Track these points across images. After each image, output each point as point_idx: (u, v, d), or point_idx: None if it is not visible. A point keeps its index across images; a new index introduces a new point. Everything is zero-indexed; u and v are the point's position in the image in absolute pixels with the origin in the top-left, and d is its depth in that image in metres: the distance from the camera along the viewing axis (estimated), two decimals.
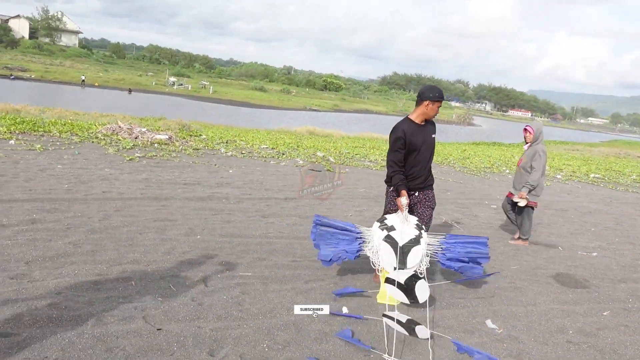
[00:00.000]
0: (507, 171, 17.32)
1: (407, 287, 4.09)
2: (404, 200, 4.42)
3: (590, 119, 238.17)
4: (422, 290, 4.06)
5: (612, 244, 7.57)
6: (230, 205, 7.38)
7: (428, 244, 4.43)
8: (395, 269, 4.21)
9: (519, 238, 6.91)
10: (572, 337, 4.08)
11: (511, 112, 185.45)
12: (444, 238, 4.59)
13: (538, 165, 6.45)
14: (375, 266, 4.45)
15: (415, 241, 4.29)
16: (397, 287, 4.10)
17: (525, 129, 6.77)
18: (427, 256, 4.36)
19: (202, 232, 5.85)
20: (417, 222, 4.50)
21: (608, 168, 23.18)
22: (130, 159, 10.04)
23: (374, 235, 4.48)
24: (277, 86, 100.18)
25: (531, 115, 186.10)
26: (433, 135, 4.72)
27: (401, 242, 4.28)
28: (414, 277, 4.13)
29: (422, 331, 3.70)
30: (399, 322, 3.72)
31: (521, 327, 4.16)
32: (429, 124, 4.72)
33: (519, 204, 6.42)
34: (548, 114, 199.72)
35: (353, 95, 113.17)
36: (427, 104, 4.56)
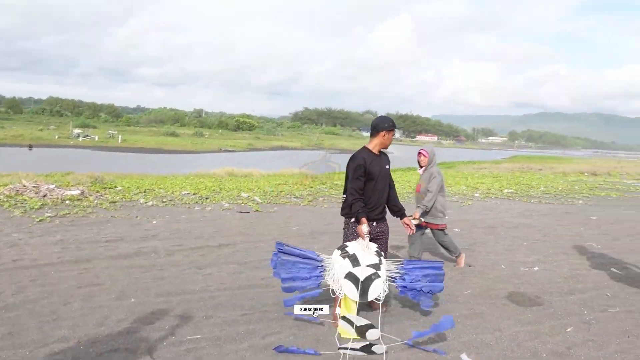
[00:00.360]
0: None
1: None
2: (365, 227, 4.49)
3: (490, 138, 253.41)
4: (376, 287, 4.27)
5: (548, 256, 7.73)
6: (160, 260, 6.84)
7: (387, 270, 4.52)
8: (357, 302, 4.29)
9: (457, 258, 6.91)
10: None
11: (419, 137, 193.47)
12: (402, 264, 4.68)
13: (433, 187, 6.42)
14: (334, 294, 4.43)
15: (376, 268, 4.38)
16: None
17: (420, 153, 6.69)
18: (385, 282, 4.43)
19: (136, 294, 5.31)
20: (377, 249, 4.55)
21: (517, 182, 24.37)
22: (40, 220, 9.18)
23: (335, 264, 4.48)
24: (188, 130, 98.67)
25: (437, 139, 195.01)
26: (387, 166, 4.88)
27: (362, 277, 4.33)
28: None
29: (379, 348, 3.92)
30: (353, 349, 3.88)
31: (497, 357, 4.00)
32: (383, 155, 4.90)
33: (413, 223, 5.47)
34: (452, 137, 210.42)
35: (267, 133, 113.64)
36: (384, 134, 4.75)
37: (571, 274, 6.63)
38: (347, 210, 4.73)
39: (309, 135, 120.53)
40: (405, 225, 5.09)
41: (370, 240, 4.64)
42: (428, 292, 4.53)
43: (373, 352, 3.90)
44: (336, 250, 4.61)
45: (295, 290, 4.54)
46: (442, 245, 6.84)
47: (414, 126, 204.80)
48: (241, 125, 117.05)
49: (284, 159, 59.26)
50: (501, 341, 4.30)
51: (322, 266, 4.57)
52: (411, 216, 5.81)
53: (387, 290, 4.39)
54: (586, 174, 36.58)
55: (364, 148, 4.83)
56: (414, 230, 5.26)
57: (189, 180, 20.65)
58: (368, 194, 4.71)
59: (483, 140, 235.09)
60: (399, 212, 5.10)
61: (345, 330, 4.20)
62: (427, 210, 6.44)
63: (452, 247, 6.79)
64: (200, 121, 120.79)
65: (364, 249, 4.47)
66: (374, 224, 4.76)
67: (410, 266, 4.67)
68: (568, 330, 4.58)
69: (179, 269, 6.43)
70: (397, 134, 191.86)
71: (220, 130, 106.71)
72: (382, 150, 4.89)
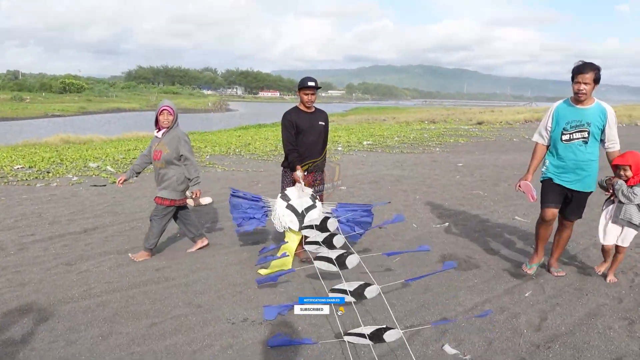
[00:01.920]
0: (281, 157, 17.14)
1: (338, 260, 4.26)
2: (299, 173, 5.01)
3: (329, 91, 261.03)
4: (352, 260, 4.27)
5: (448, 209, 7.55)
6: (12, 258, 5.36)
7: (323, 209, 5.12)
8: (299, 229, 4.92)
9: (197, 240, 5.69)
10: (533, 337, 3.53)
11: (261, 94, 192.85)
12: (335, 206, 5.30)
13: (188, 152, 5.28)
14: (280, 229, 5.11)
15: (312, 206, 5.04)
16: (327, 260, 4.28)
17: (163, 110, 5.28)
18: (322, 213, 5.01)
19: None
20: (312, 194, 5.11)
21: (372, 134, 24.91)
22: None
23: (277, 205, 5.07)
24: (5, 94, 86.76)
25: (280, 94, 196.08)
26: (320, 122, 5.29)
27: (300, 209, 5.01)
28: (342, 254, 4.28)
29: (393, 334, 3.39)
30: (362, 335, 3.45)
31: (479, 342, 3.47)
32: (318, 112, 5.37)
33: (190, 204, 4.85)
34: (294, 92, 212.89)
35: (99, 94, 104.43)
36: (298, 93, 5.25)
37: (483, 227, 6.46)
38: (285, 161, 5.30)
39: (146, 96, 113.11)
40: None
41: (307, 186, 5.14)
42: (356, 225, 5.20)
43: (383, 340, 3.37)
44: (278, 195, 5.16)
45: (245, 228, 5.09)
46: (154, 229, 5.36)
47: (256, 82, 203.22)
48: (68, 87, 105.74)
49: (124, 121, 54.87)
50: (469, 321, 3.78)
51: (267, 207, 5.17)
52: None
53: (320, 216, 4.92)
54: (426, 122, 38.90)
55: (295, 107, 5.35)
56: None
57: (18, 151, 17.82)
58: (299, 145, 5.17)
59: (323, 94, 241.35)
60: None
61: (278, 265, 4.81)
62: (199, 181, 5.32)
63: (195, 228, 5.63)
64: (17, 84, 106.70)
65: (300, 192, 5.05)
66: (305, 173, 5.19)
67: (342, 209, 5.30)
68: (527, 295, 4.24)
69: (42, 267, 5.06)
70: (239, 90, 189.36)
71: (43, 94, 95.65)
72: (315, 108, 5.35)
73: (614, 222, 4.43)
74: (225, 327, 3.72)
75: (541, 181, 4.65)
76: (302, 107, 5.26)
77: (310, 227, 4.79)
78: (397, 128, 30.41)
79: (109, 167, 13.07)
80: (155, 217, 5.37)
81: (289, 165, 5.21)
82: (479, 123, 35.21)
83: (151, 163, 5.51)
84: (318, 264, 4.20)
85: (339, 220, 4.91)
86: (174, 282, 4.66)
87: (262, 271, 4.81)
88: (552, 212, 4.53)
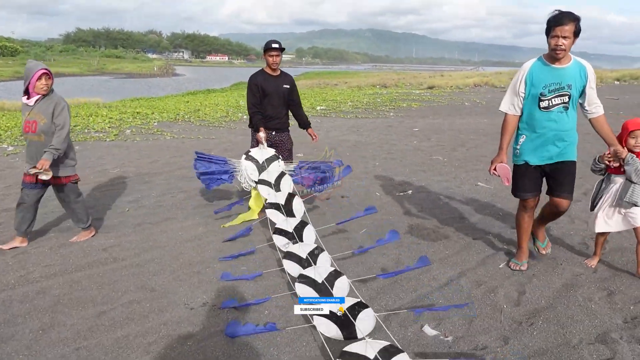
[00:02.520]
0: (245, 117, 16.66)
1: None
2: (261, 134, 5.24)
3: None
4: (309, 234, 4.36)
5: (409, 175, 7.36)
6: None
7: (286, 168, 5.26)
8: (257, 182, 5.01)
9: (84, 230, 4.94)
10: (514, 313, 3.35)
11: (209, 58, 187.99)
12: (296, 164, 5.42)
13: (65, 122, 4.53)
14: (246, 189, 5.24)
15: (274, 158, 5.21)
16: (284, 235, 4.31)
17: (43, 74, 4.45)
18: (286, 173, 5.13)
19: None
20: (274, 153, 5.28)
21: (324, 99, 24.55)
22: None
23: (242, 164, 5.16)
24: None
25: (228, 58, 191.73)
26: (285, 86, 5.47)
27: (261, 160, 5.15)
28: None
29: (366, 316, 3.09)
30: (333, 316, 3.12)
31: (459, 321, 3.26)
32: (283, 75, 5.53)
33: (42, 178, 4.35)
34: (243, 56, 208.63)
35: (35, 58, 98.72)
36: (265, 56, 5.36)
37: (447, 194, 6.28)
38: (250, 122, 5.50)
39: (87, 60, 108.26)
40: (311, 135, 5.79)
41: (272, 146, 5.40)
42: (319, 184, 5.27)
43: (354, 328, 3.01)
44: (243, 155, 5.26)
45: (210, 183, 5.16)
46: (70, 209, 4.83)
47: (203, 46, 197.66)
48: (1, 50, 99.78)
49: (65, 87, 52.19)
50: (451, 297, 3.59)
51: (232, 166, 5.23)
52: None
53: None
54: (378, 86, 38.79)
55: (261, 70, 5.51)
56: (317, 138, 5.85)
57: None
58: (265, 107, 5.37)
59: None
60: (304, 125, 5.81)
61: (246, 216, 5.13)
62: (60, 154, 4.46)
63: (83, 214, 4.87)
64: None
65: (263, 152, 5.22)
66: (273, 132, 5.48)
67: (304, 165, 5.45)
68: (501, 266, 4.06)
69: None
70: (186, 54, 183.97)
71: None
72: (281, 72, 5.53)
73: (616, 205, 3.83)
74: (184, 314, 3.38)
75: (516, 165, 4.00)
76: (268, 70, 5.43)
77: (277, 206, 4.66)
78: (350, 93, 30.13)
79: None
80: (71, 201, 4.75)
81: (252, 126, 5.46)
82: (430, 87, 35.38)
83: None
84: (287, 264, 3.86)
85: (298, 180, 5.22)
86: (124, 263, 4.26)
87: (228, 224, 5.17)
88: (533, 201, 3.97)
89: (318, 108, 19.88)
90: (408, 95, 27.11)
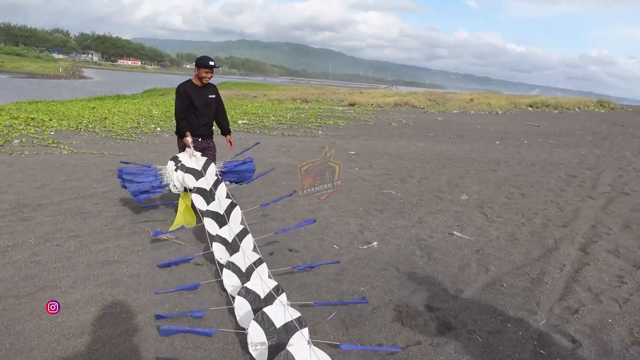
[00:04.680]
0: (159, 129, 14.88)
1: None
2: (189, 138, 5.38)
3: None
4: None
5: (366, 216, 6.11)
6: None
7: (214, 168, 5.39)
8: (193, 189, 4.94)
9: None
10: None
11: (121, 62, 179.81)
12: (222, 164, 5.82)
13: None
14: (176, 191, 5.26)
15: (205, 165, 5.27)
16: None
17: None
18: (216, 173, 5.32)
19: None
20: (201, 156, 5.39)
21: (245, 112, 23.11)
22: None
23: (169, 170, 5.31)
24: None
25: (141, 63, 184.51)
26: (211, 96, 5.63)
27: (199, 168, 5.20)
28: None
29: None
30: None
31: None
32: (209, 87, 5.64)
33: None
34: (157, 61, 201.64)
35: None
36: (199, 71, 5.44)
37: (421, 248, 5.01)
38: (177, 128, 5.56)
39: None
40: (228, 142, 5.95)
41: (200, 150, 5.52)
42: (240, 178, 5.83)
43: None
44: (170, 161, 5.36)
45: (141, 193, 5.06)
46: None
47: (114, 49, 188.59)
48: None
49: None
50: None
51: (160, 174, 5.34)
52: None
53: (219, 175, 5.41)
54: (299, 101, 37.84)
55: (189, 80, 5.56)
56: (232, 146, 6.05)
57: None
58: (192, 116, 5.50)
59: (188, 66, 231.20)
60: (224, 132, 5.97)
61: (180, 222, 5.16)
62: None
63: None
64: None
65: (191, 156, 5.32)
66: (199, 139, 5.59)
67: (230, 165, 5.88)
68: None
69: None
70: (95, 57, 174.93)
71: None
72: (207, 83, 5.58)
73: None
74: None
75: None
76: (196, 82, 5.54)
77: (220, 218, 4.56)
78: (271, 106, 28.82)
79: None
80: None
81: (179, 133, 5.54)
82: (352, 104, 34.89)
83: None
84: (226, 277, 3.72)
85: (223, 172, 5.70)
86: None
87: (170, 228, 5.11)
88: None
89: (240, 122, 18.41)
90: (332, 112, 26.22)
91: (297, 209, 6.25)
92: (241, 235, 4.18)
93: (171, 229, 5.05)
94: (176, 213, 5.38)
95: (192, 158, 5.28)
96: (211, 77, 5.49)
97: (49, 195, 6.48)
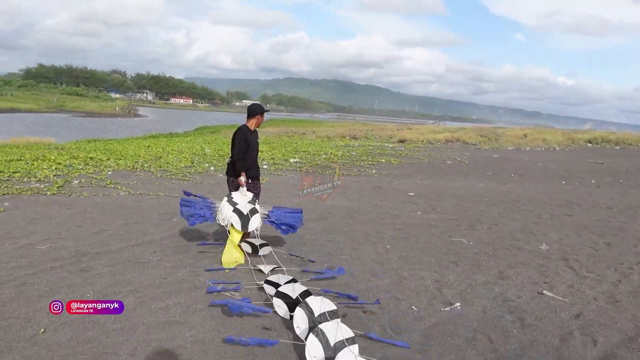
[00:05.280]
0: (212, 169, 14.83)
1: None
2: (243, 178, 5.89)
3: (244, 101, 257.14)
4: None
5: (440, 270, 5.62)
6: None
7: (261, 210, 6.03)
8: (242, 227, 5.67)
9: None
10: None
11: (173, 100, 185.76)
12: (270, 209, 6.28)
13: None
14: (225, 227, 5.80)
15: (253, 209, 5.82)
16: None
17: None
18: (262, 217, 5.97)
19: None
20: (252, 197, 5.98)
21: (295, 149, 22.99)
22: None
23: (224, 207, 5.80)
24: None
25: (193, 102, 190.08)
26: (257, 140, 6.25)
27: (245, 211, 5.74)
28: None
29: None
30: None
31: None
32: (255, 131, 6.26)
33: None
34: (208, 99, 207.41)
35: None
36: (259, 117, 6.19)
37: (509, 311, 4.46)
38: (232, 169, 6.09)
39: (46, 96, 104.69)
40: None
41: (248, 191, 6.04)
42: (287, 226, 6.05)
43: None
44: (225, 197, 5.92)
45: (193, 221, 5.80)
46: None
47: (167, 88, 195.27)
48: None
49: (17, 124, 49.35)
50: None
51: (214, 207, 5.95)
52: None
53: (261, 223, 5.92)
54: (347, 137, 37.71)
55: (245, 125, 6.12)
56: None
57: None
58: (246, 157, 5.99)
59: (238, 104, 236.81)
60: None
61: (229, 260, 5.51)
62: None
63: None
64: None
65: (243, 195, 5.89)
66: (250, 180, 6.06)
67: (278, 211, 6.28)
68: None
69: None
70: (150, 96, 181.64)
71: None
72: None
73: None
74: None
75: None
76: (250, 126, 6.14)
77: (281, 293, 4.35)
78: (320, 143, 28.74)
79: None
80: None
81: (235, 173, 6.00)
82: (401, 141, 34.42)
83: None
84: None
85: (272, 222, 6.06)
86: None
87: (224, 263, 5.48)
88: None
89: (292, 161, 18.24)
90: (382, 149, 25.81)
91: (365, 259, 5.82)
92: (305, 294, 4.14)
93: (224, 264, 5.46)
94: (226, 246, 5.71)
95: (244, 197, 5.83)
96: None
97: (107, 241, 6.30)
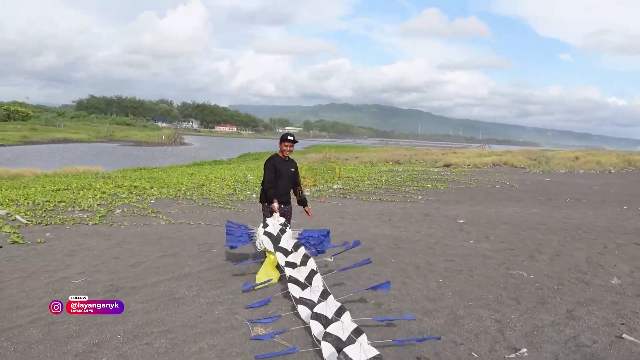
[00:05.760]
0: (254, 196, 14.63)
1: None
2: (275, 204, 6.26)
3: (287, 127, 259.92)
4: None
5: (500, 307, 5.09)
6: None
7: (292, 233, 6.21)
8: (275, 250, 5.84)
9: None
10: None
11: (218, 128, 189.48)
12: (300, 232, 6.50)
13: None
14: (259, 250, 6.05)
15: (282, 229, 6.08)
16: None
17: None
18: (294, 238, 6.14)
19: None
20: (284, 222, 6.25)
21: (340, 176, 22.64)
22: None
23: (259, 232, 6.04)
24: None
25: (237, 129, 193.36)
26: (292, 169, 6.62)
27: (275, 233, 6.00)
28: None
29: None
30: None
31: None
32: (290, 160, 6.65)
33: None
34: (251, 127, 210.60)
35: (46, 123, 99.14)
36: (281, 144, 6.50)
37: (584, 358, 3.96)
38: (264, 196, 6.49)
39: (97, 126, 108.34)
40: (306, 213, 6.85)
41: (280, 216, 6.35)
42: (318, 245, 6.39)
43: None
44: (261, 224, 6.17)
45: (234, 246, 6.26)
46: None
47: (212, 116, 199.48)
48: (12, 114, 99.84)
49: (69, 154, 51.02)
50: None
51: (252, 233, 6.28)
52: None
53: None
54: (391, 162, 37.18)
55: (275, 154, 6.62)
56: (311, 215, 6.92)
57: None
58: (277, 184, 6.43)
59: (280, 130, 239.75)
60: (302, 203, 6.81)
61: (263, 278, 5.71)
62: None
63: None
64: None
65: (276, 220, 6.18)
66: (282, 205, 6.45)
67: (306, 233, 6.50)
68: None
69: None
70: (195, 124, 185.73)
71: None
72: (289, 157, 6.64)
73: None
74: None
75: None
76: (280, 155, 6.51)
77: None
78: (364, 169, 28.32)
79: (18, 217, 10.15)
80: None
81: (267, 200, 6.40)
82: (447, 165, 33.66)
83: None
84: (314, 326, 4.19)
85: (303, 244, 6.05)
86: None
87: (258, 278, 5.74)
88: None
89: (335, 187, 17.86)
90: (427, 173, 25.17)
91: (416, 295, 5.34)
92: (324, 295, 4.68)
93: (258, 280, 5.69)
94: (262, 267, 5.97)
95: (276, 222, 6.12)
96: (292, 150, 6.51)
97: (143, 275, 6.04)
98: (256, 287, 5.47)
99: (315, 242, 6.38)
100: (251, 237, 6.23)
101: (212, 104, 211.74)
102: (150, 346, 3.94)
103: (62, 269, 6.24)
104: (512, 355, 3.84)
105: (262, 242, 5.92)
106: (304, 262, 5.45)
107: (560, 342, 4.11)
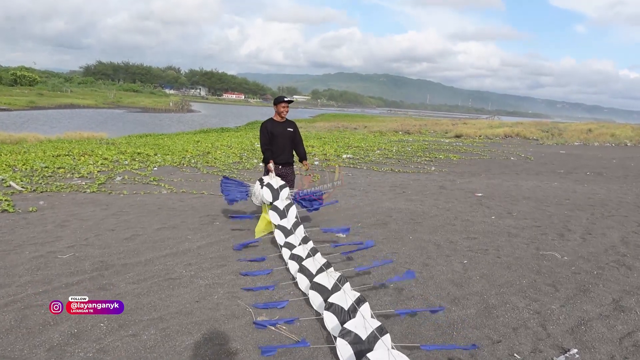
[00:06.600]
0: (262, 165, 14.03)
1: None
2: (271, 165, 6.44)
3: (295, 96, 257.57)
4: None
5: (536, 296, 4.51)
6: None
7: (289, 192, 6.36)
8: (272, 202, 6.11)
9: None
10: None
11: (226, 96, 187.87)
12: (296, 190, 6.55)
13: None
14: (258, 204, 6.35)
15: (283, 185, 6.28)
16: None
17: None
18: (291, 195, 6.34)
19: None
20: (282, 182, 6.33)
21: (348, 145, 22.01)
22: None
23: (256, 188, 6.29)
24: None
25: (245, 97, 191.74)
26: (289, 129, 6.69)
27: (276, 186, 6.19)
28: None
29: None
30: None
31: None
32: (287, 122, 6.76)
33: None
34: (259, 95, 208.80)
35: (52, 89, 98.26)
36: (277, 107, 6.66)
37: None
38: (264, 158, 6.67)
39: (104, 92, 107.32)
40: (304, 166, 6.84)
41: (279, 177, 6.44)
42: (312, 205, 6.48)
43: None
44: (257, 181, 6.37)
45: (232, 199, 6.50)
46: None
47: (220, 84, 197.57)
48: (19, 79, 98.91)
49: (75, 119, 50.44)
50: None
51: (248, 189, 6.52)
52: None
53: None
54: (401, 132, 36.42)
55: (270, 118, 6.76)
56: (307, 166, 6.88)
57: None
58: (274, 147, 6.57)
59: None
60: (301, 158, 6.84)
61: (261, 229, 6.17)
62: None
63: None
64: None
65: (272, 179, 6.28)
66: (280, 166, 6.63)
67: (301, 192, 6.51)
68: None
69: None
70: (203, 91, 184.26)
71: None
72: (286, 118, 6.77)
73: None
74: None
75: None
76: (276, 118, 6.68)
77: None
78: (373, 139, 27.62)
79: (13, 183, 9.64)
80: None
81: (264, 161, 6.61)
82: (458, 136, 32.91)
83: None
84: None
85: (297, 200, 6.39)
86: None
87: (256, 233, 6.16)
88: None
89: (344, 156, 17.26)
90: (438, 144, 24.48)
91: (440, 279, 4.76)
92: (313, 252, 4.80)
93: (257, 232, 6.12)
94: (259, 222, 6.24)
95: (273, 180, 6.23)
96: (287, 111, 6.63)
97: (138, 250, 5.50)
98: (250, 245, 5.76)
99: (308, 199, 6.47)
100: (247, 194, 6.46)
101: (220, 71, 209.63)
102: (137, 338, 3.40)
103: (51, 242, 5.71)
104: (562, 358, 3.26)
105: (263, 195, 6.14)
106: (295, 226, 5.75)
107: (613, 341, 3.53)
